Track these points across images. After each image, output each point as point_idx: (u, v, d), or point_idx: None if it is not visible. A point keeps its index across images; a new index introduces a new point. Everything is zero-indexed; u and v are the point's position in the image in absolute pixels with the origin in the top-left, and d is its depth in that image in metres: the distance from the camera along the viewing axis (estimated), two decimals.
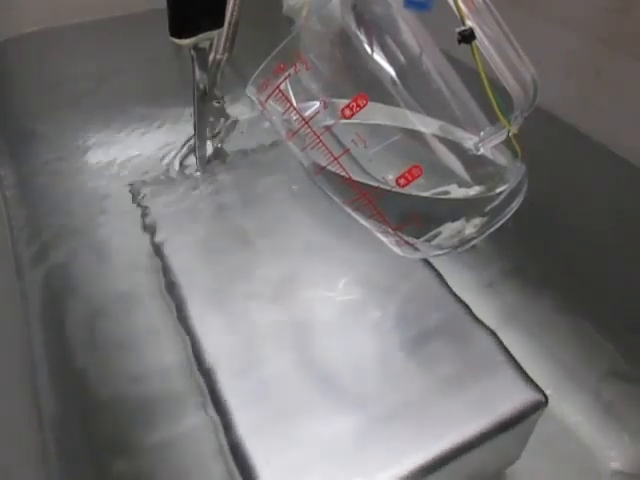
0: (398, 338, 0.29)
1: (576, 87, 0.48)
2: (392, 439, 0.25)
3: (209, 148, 0.41)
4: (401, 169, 0.25)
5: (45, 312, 0.39)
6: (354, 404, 0.27)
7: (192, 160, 0.42)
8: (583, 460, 0.32)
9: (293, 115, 0.26)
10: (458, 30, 0.23)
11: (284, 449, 0.25)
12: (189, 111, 0.39)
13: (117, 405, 0.34)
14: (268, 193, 0.37)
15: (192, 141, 0.45)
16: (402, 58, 0.25)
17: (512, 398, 0.26)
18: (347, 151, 0.25)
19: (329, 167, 0.26)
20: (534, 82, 0.23)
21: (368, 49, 0.25)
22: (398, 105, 0.25)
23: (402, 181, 0.25)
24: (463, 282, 0.33)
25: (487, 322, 0.30)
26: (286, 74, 0.25)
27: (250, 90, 0.27)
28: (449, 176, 0.26)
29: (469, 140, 0.26)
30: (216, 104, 0.40)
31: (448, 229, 0.26)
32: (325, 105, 0.25)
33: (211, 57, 0.37)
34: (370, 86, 0.25)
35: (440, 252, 0.27)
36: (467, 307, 0.30)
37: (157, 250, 0.35)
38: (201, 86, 0.37)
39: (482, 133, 0.25)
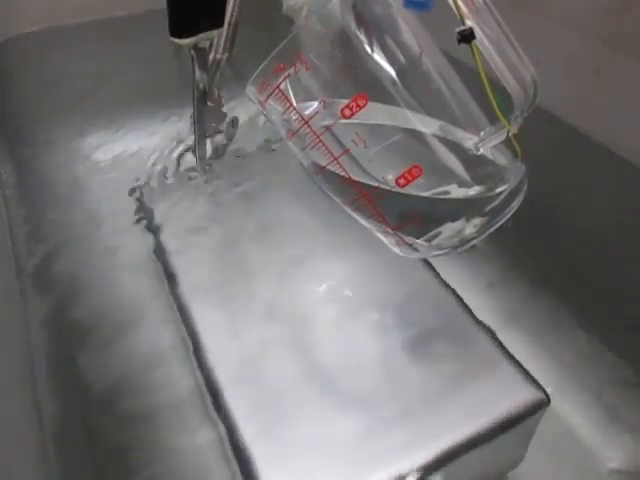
0: (398, 338, 0.29)
1: (576, 87, 0.48)
2: (393, 439, 0.25)
3: (209, 148, 0.41)
4: (401, 169, 0.25)
5: (45, 312, 0.39)
6: (354, 405, 0.27)
7: (192, 160, 0.42)
8: (584, 460, 0.32)
9: (293, 115, 0.26)
10: (458, 30, 0.23)
11: (286, 451, 0.25)
12: (189, 111, 0.39)
13: (117, 405, 0.34)
14: (268, 193, 0.37)
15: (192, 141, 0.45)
16: (402, 58, 0.25)
17: (514, 397, 0.26)
18: (347, 151, 0.25)
19: (329, 167, 0.26)
20: (534, 82, 0.23)
21: (368, 49, 0.25)
22: (398, 105, 0.25)
23: (402, 181, 0.25)
24: (463, 282, 0.33)
25: (487, 322, 0.30)
26: (286, 74, 0.25)
27: (250, 90, 0.27)
28: (449, 176, 0.26)
29: (469, 140, 0.26)
30: (210, 104, 0.40)
31: (448, 229, 0.26)
32: (325, 105, 0.25)
33: (211, 57, 0.37)
34: (370, 86, 0.25)
35: (440, 252, 0.27)
36: (467, 307, 0.30)
37: (158, 250, 0.35)
38: (201, 86, 0.37)
39: (482, 133, 0.25)
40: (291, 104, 0.26)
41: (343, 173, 0.26)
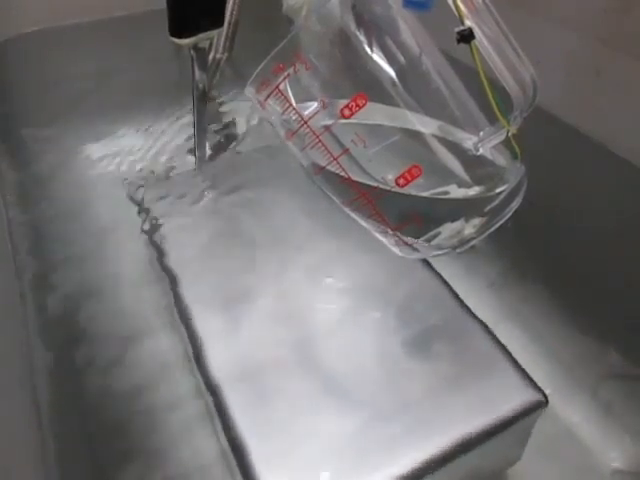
0: (398, 338, 0.29)
1: (576, 87, 0.48)
2: (392, 439, 0.25)
3: (208, 148, 0.41)
4: (400, 169, 0.25)
5: (45, 312, 0.39)
6: (354, 404, 0.27)
7: (192, 160, 0.42)
8: (583, 460, 0.32)
9: (292, 115, 0.26)
10: (457, 30, 0.23)
11: (285, 449, 0.25)
12: (189, 111, 0.39)
13: (117, 405, 0.34)
14: (267, 193, 0.37)
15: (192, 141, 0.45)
16: (401, 58, 0.25)
17: (512, 398, 0.26)
18: (346, 151, 0.25)
19: (328, 167, 0.26)
20: (533, 82, 0.23)
21: (367, 49, 0.25)
22: (397, 105, 0.25)
23: (401, 181, 0.25)
24: (463, 282, 0.33)
25: (487, 322, 0.30)
26: (285, 74, 0.25)
27: (249, 90, 0.27)
28: (448, 176, 0.26)
29: (468, 140, 0.26)
30: (210, 104, 0.40)
31: (447, 229, 0.26)
32: (324, 105, 0.25)
33: (211, 57, 0.37)
34: (369, 86, 0.25)
35: (439, 252, 0.27)
36: (467, 307, 0.30)
37: (158, 250, 0.35)
38: (200, 86, 0.37)
39: (481, 133, 0.25)
40: (290, 104, 0.26)
41: (343, 173, 0.26)
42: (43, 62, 0.65)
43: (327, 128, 0.25)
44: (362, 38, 0.25)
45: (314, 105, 0.25)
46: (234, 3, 0.35)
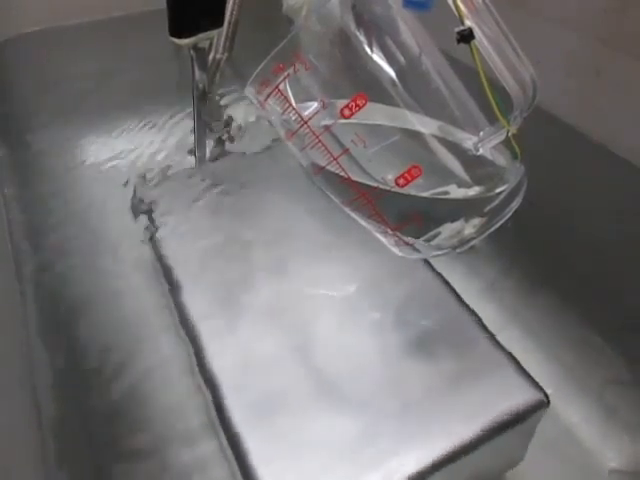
0: (398, 338, 0.29)
1: (576, 87, 0.48)
2: (393, 440, 0.25)
3: (208, 148, 0.41)
4: (400, 169, 0.25)
5: (45, 312, 0.39)
6: (355, 404, 0.27)
7: (192, 161, 0.42)
8: (584, 460, 0.32)
9: (292, 115, 0.26)
10: (457, 30, 0.22)
11: (285, 451, 0.25)
12: (189, 111, 0.39)
13: (117, 405, 0.34)
14: (267, 194, 0.37)
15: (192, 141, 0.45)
16: (401, 58, 0.25)
17: (513, 398, 0.26)
18: (346, 151, 0.25)
19: (328, 167, 0.26)
20: (533, 82, 0.23)
21: (367, 49, 0.25)
22: (397, 105, 0.25)
23: (401, 181, 0.25)
24: (463, 282, 0.33)
25: (487, 322, 0.30)
26: (285, 74, 0.25)
27: (249, 90, 0.27)
28: (448, 176, 0.26)
29: (468, 140, 0.26)
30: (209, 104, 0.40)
31: (447, 229, 0.26)
32: (324, 105, 0.25)
33: (211, 57, 0.37)
34: (369, 86, 0.25)
35: (439, 252, 0.27)
36: (467, 307, 0.30)
37: (158, 250, 0.35)
38: (200, 86, 0.37)
39: (481, 133, 0.25)
40: (290, 104, 0.26)
41: (342, 173, 0.26)
42: (43, 62, 0.65)
43: (327, 128, 0.25)
44: (362, 38, 0.25)
45: (314, 105, 0.25)
46: (234, 3, 0.35)
